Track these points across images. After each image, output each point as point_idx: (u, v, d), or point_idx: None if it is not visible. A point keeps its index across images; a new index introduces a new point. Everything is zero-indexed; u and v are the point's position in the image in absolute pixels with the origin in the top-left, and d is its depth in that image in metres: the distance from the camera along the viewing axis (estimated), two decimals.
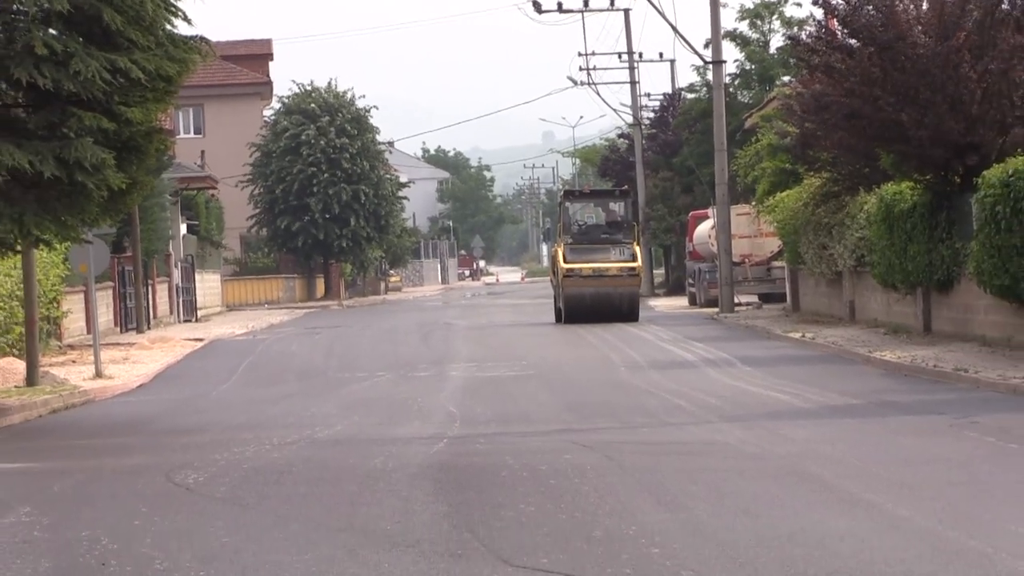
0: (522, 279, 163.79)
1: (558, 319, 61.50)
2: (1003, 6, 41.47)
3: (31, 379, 37.37)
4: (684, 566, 13.69)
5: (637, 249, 62.78)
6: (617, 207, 65.27)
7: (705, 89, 78.21)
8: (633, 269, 61.04)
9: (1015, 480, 18.27)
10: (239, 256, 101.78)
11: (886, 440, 22.61)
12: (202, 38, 32.39)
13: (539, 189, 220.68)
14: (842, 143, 43.61)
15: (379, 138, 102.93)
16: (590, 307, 59.67)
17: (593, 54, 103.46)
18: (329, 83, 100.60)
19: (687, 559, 14.01)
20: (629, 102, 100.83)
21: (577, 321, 58.78)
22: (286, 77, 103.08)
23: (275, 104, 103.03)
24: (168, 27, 30.87)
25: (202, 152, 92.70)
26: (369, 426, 27.12)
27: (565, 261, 60.58)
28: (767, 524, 15.69)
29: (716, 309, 64.87)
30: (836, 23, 43.80)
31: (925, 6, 42.00)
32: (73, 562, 14.88)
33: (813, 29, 46.57)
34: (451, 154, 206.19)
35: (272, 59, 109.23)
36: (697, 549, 14.51)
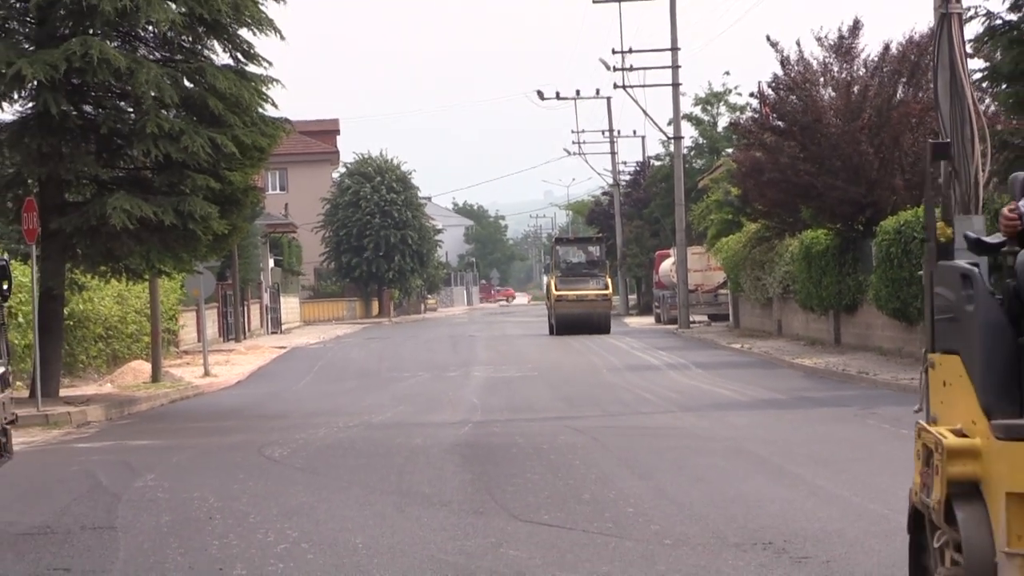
0: (528, 302, 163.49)
1: (551, 332, 62.36)
2: (897, 96, 41.48)
3: (155, 376, 37.39)
4: (652, 521, 13.68)
5: (609, 280, 65.62)
6: (595, 249, 68.88)
7: (668, 158, 77.97)
8: (606, 296, 63.56)
9: (905, 457, 18.26)
10: (313, 283, 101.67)
11: (806, 426, 22.59)
12: (285, 119, 32.55)
13: (541, 234, 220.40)
14: (772, 200, 43.64)
15: (419, 194, 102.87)
16: (574, 323, 60.83)
17: (583, 131, 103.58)
18: (381, 152, 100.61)
19: (655, 516, 14.00)
20: (611, 168, 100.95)
21: (565, 333, 59.86)
22: (349, 147, 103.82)
23: (341, 168, 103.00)
24: (260, 110, 30.97)
25: (286, 204, 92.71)
26: (412, 413, 27.11)
27: (556, 289, 62.75)
28: (715, 489, 15.69)
29: (676, 325, 64.81)
30: (768, 109, 43.81)
31: (836, 95, 42.01)
32: (187, 516, 14.89)
33: (751, 114, 46.62)
34: (475, 207, 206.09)
35: (339, 133, 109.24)
36: (662, 508, 14.51)
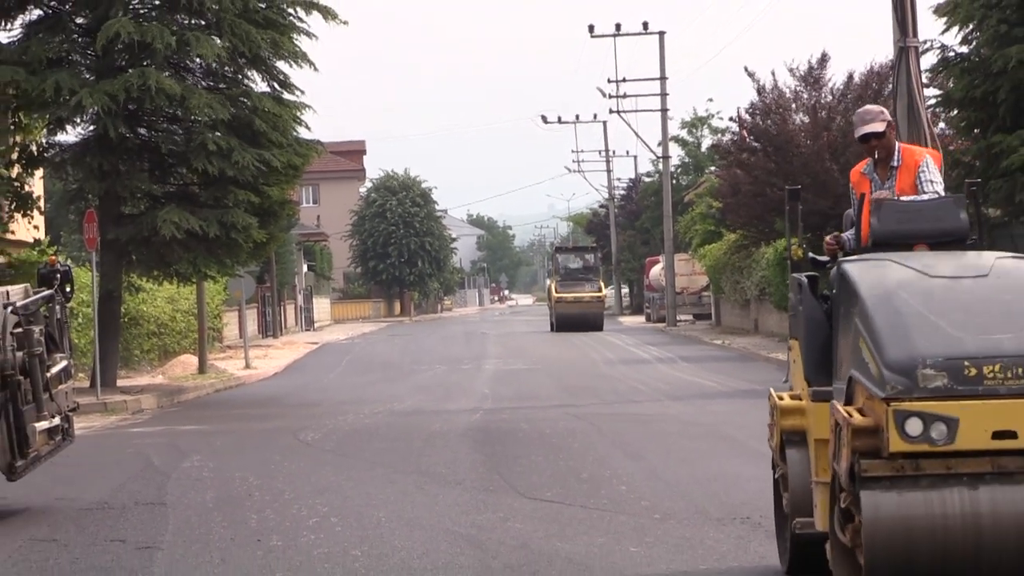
0: (533, 302, 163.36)
1: (552, 329, 62.36)
2: None
3: (201, 368, 37.40)
4: (643, 498, 13.66)
5: (602, 284, 66.94)
6: (590, 257, 69.42)
7: (658, 175, 77.85)
8: (600, 297, 64.16)
9: None
10: (342, 286, 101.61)
11: None
12: (318, 141, 32.81)
13: (545, 242, 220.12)
14: (750, 213, 43.54)
15: (437, 207, 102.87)
16: (571, 321, 60.93)
17: (582, 151, 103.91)
18: (404, 170, 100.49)
19: (645, 493, 13.99)
20: (607, 184, 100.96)
21: (563, 330, 59.95)
22: (375, 165, 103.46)
23: (368, 183, 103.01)
24: (295, 133, 31.04)
25: (318, 216, 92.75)
26: (430, 402, 27.10)
27: (556, 291, 63.31)
28: (699, 469, 15.66)
29: (664, 324, 64.78)
30: (746, 132, 43.87)
31: (806, 119, 42.01)
32: (229, 493, 14.89)
33: (730, 136, 46.64)
34: (486, 218, 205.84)
35: (365, 153, 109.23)
36: (652, 486, 14.49)
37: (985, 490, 8.13)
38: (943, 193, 10.21)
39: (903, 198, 9.95)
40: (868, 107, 10.67)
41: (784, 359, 37.96)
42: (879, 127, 10.25)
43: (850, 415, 8.35)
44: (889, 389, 8.19)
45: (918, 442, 8.10)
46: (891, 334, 8.42)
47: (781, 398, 9.95)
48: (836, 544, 8.63)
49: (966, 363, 8.23)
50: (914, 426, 8.11)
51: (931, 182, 10.22)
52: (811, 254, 10.34)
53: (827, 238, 10.24)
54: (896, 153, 10.35)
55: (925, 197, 9.97)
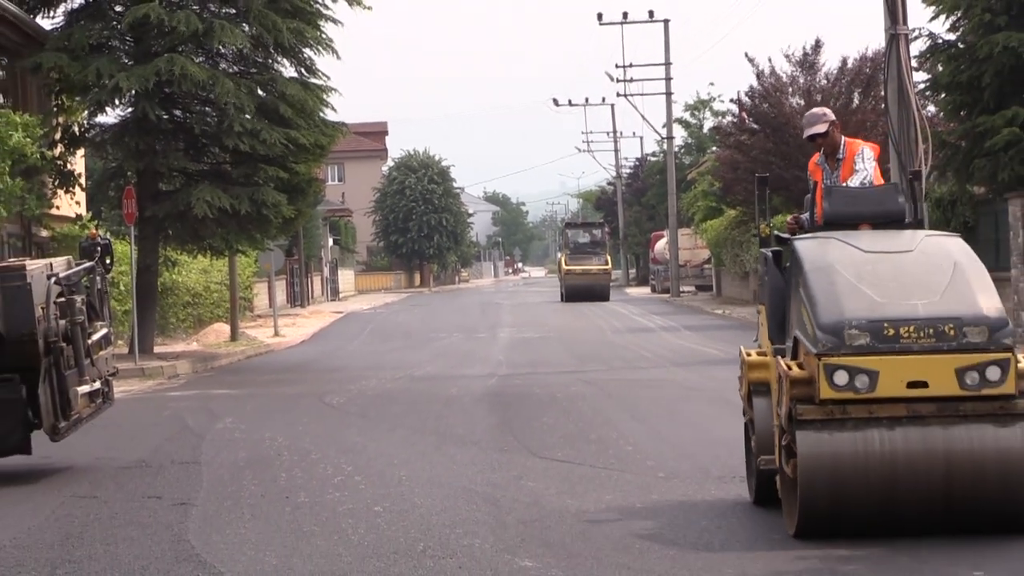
0: (545, 275, 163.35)
1: (561, 299, 62.36)
2: (853, 103, 41.39)
3: (233, 336, 37.44)
4: (648, 458, 13.66)
5: (608, 257, 66.87)
6: (598, 232, 69.55)
7: (662, 155, 77.77)
8: (606, 270, 64.47)
9: None
10: (365, 259, 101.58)
11: None
12: (342, 123, 32.85)
13: (556, 218, 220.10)
14: (748, 190, 43.50)
15: (455, 184, 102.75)
16: (580, 292, 61.04)
17: (591, 132, 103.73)
18: (424, 149, 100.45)
19: (650, 453, 13.99)
20: (614, 163, 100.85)
21: (572, 300, 60.04)
22: (397, 145, 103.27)
23: (389, 162, 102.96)
24: (321, 115, 31.04)
25: (343, 193, 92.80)
26: (447, 368, 27.11)
27: (566, 264, 63.55)
28: (703, 432, 15.65)
29: (668, 294, 64.77)
30: (745, 114, 43.80)
31: (802, 101, 41.93)
32: (260, 453, 14.91)
33: (731, 118, 46.57)
34: (500, 195, 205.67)
35: (387, 134, 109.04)
36: (657, 447, 14.49)
37: (900, 431, 9.23)
38: (871, 177, 11.25)
39: (849, 184, 11.16)
40: (813, 110, 11.91)
41: None
42: (822, 128, 11.44)
43: (789, 368, 9.48)
44: (820, 346, 9.28)
45: (844, 391, 9.22)
46: (824, 301, 9.47)
47: (749, 354, 10.89)
48: (783, 476, 9.75)
49: (885, 325, 9.28)
50: (841, 377, 9.21)
51: (862, 169, 11.30)
52: (776, 232, 11.21)
53: (788, 218, 11.50)
54: (841, 147, 11.49)
55: (856, 180, 11.17)
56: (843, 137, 11.60)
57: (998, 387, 9.17)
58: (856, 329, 9.25)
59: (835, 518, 9.30)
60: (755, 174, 11.92)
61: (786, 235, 10.99)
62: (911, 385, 9.22)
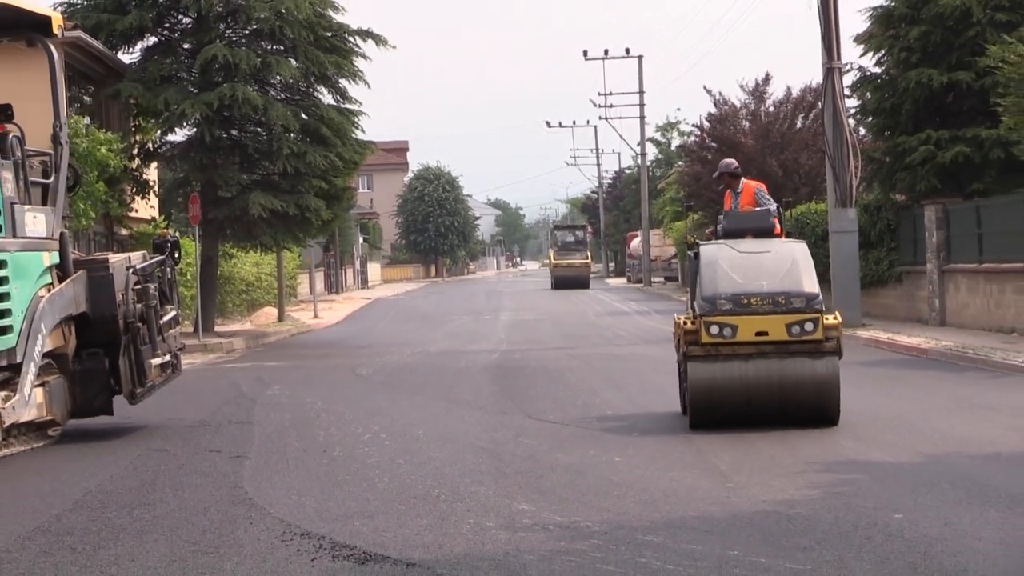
0: (539, 267, 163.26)
1: (552, 287, 62.74)
2: (796, 125, 41.36)
3: (280, 318, 37.48)
4: (624, 420, 13.63)
5: (589, 253, 68.83)
6: (580, 232, 70.97)
7: (636, 168, 77.67)
8: (587, 263, 65.62)
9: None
10: (390, 254, 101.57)
11: None
12: (371, 142, 32.88)
13: (549, 221, 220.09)
14: (708, 199, 43.48)
15: (464, 192, 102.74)
16: (565, 281, 62.27)
17: (577, 149, 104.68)
18: (437, 162, 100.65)
19: (626, 416, 13.95)
20: (597, 175, 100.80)
21: (560, 288, 60.95)
22: (416, 159, 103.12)
23: (410, 174, 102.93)
24: (354, 135, 31.04)
25: (371, 199, 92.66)
26: (458, 344, 27.09)
27: (554, 259, 65.34)
28: (671, 398, 15.57)
29: (641, 284, 64.79)
30: (705, 135, 43.80)
31: (752, 125, 41.93)
32: (302, 415, 14.90)
33: (694, 138, 46.52)
34: (502, 201, 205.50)
35: (408, 150, 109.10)
36: (631, 410, 14.46)
37: (752, 363, 12.13)
38: (773, 209, 13.83)
39: (742, 211, 13.90)
40: (724, 160, 14.77)
41: None
42: (725, 171, 14.51)
43: (684, 323, 12.48)
44: (702, 310, 12.22)
45: (717, 338, 12.14)
46: (707, 282, 12.31)
47: (679, 319, 12.83)
48: (682, 396, 13.25)
49: (743, 297, 12.16)
50: (714, 329, 12.15)
51: (766, 200, 14.23)
52: (697, 240, 13.57)
53: (707, 231, 13.90)
54: (739, 184, 14.40)
55: (759, 209, 13.85)
56: (743, 179, 14.40)
57: (812, 335, 12.06)
58: (724, 300, 12.14)
59: (712, 418, 12.20)
60: (685, 201, 15.09)
61: (703, 242, 13.09)
62: (758, 334, 12.10)
